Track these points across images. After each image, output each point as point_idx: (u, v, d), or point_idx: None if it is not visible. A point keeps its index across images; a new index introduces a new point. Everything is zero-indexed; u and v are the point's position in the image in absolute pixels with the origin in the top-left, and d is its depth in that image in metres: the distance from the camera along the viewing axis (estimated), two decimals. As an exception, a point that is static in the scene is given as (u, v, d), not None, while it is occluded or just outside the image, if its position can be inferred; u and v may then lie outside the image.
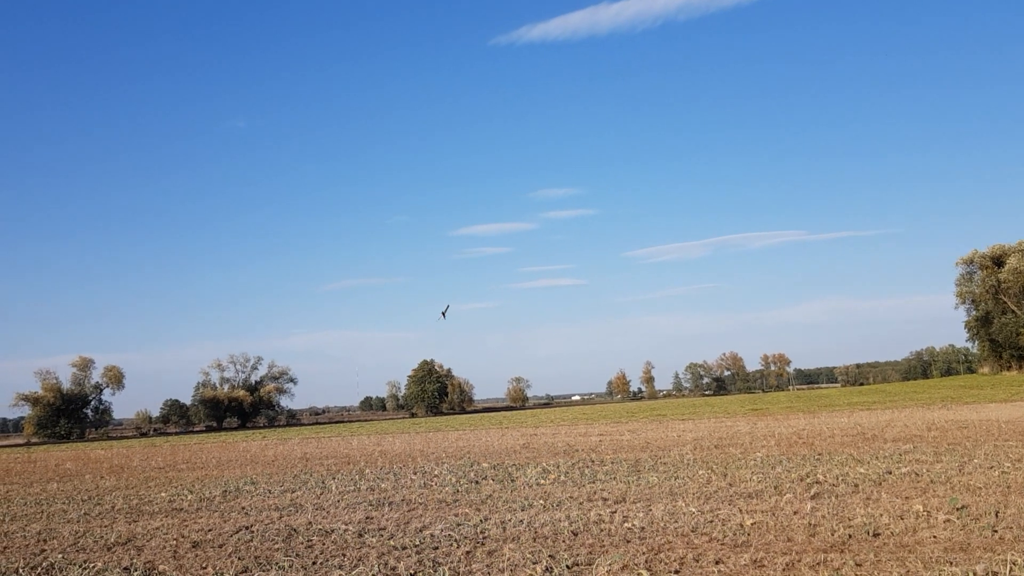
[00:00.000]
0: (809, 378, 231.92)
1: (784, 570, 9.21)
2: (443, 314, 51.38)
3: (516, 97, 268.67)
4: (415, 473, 22.07)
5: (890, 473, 16.54)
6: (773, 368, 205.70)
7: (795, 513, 12.51)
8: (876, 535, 10.73)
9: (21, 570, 11.49)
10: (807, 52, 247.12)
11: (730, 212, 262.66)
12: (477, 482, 19.03)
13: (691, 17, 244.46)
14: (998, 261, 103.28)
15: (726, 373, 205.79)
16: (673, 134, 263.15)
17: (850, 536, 10.76)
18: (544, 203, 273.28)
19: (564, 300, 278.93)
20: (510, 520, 13.28)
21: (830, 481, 15.76)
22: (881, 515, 11.93)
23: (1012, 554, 9.31)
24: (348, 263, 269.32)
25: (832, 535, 10.87)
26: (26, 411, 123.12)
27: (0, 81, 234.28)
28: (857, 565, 9.21)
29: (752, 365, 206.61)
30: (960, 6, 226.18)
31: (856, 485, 15.13)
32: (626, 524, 12.35)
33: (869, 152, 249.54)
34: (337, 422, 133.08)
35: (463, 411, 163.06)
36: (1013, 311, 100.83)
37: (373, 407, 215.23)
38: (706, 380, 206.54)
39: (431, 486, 18.80)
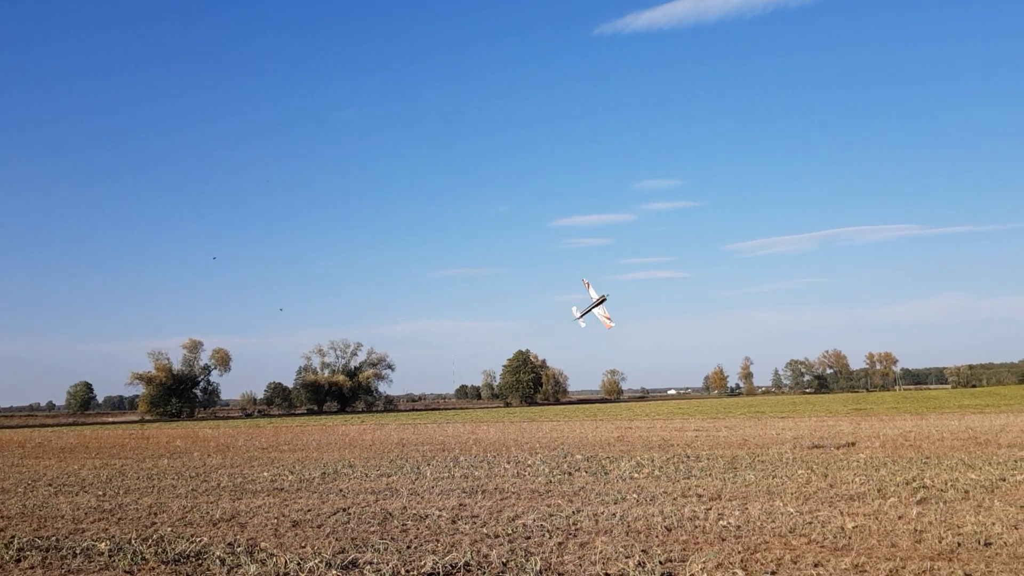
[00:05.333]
0: (917, 378, 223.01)
1: (887, 576, 8.88)
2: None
3: (619, 87, 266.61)
4: (508, 462, 22.23)
5: (1004, 480, 15.73)
6: (879, 367, 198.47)
7: (900, 518, 12.04)
8: (987, 544, 10.22)
9: (133, 540, 12.10)
10: (922, 40, 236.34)
11: (838, 204, 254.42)
12: (570, 473, 19.03)
13: (804, 3, 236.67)
14: None
15: (828, 371, 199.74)
16: (779, 124, 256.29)
17: (959, 544, 10.28)
18: (645, 194, 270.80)
19: (663, 293, 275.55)
20: (603, 513, 13.22)
21: (938, 486, 15.10)
22: (993, 524, 11.36)
23: None
24: (448, 253, 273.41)
25: (939, 542, 10.41)
26: (140, 390, 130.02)
27: (127, 71, 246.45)
28: (966, 575, 8.81)
29: (856, 364, 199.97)
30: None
31: (967, 491, 14.45)
32: (721, 522, 12.13)
33: (986, 144, 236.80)
34: (433, 409, 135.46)
35: (557, 402, 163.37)
36: None
37: (468, 395, 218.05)
38: (807, 378, 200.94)
39: (524, 476, 18.90)
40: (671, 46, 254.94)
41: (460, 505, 14.71)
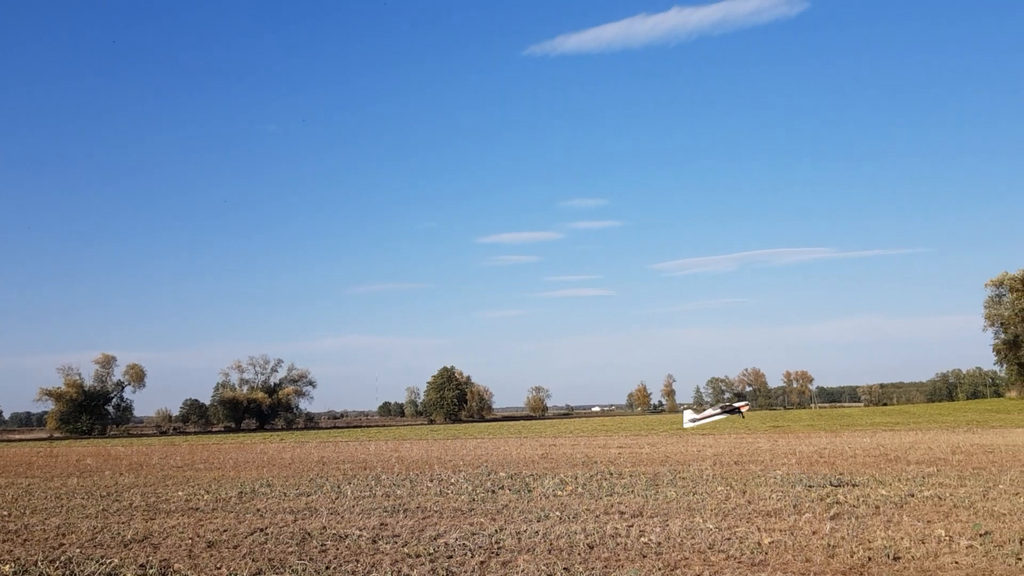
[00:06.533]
0: (831, 397, 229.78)
1: (802, 591, 9.06)
2: None
3: (547, 107, 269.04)
4: (431, 480, 22.02)
5: (912, 496, 16.28)
6: (795, 385, 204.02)
7: (814, 533, 12.33)
8: (896, 559, 10.54)
9: (40, 563, 11.56)
10: (838, 71, 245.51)
11: (758, 227, 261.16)
12: (493, 491, 18.95)
13: (727, 32, 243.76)
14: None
15: (747, 389, 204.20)
16: (703, 149, 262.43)
17: (869, 559, 10.57)
18: (572, 213, 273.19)
19: (588, 311, 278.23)
20: (526, 531, 13.19)
21: (850, 502, 15.53)
22: (902, 538, 11.72)
23: (1037, 583, 9.10)
24: (373, 268, 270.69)
25: (851, 557, 10.69)
26: (49, 406, 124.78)
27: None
28: (877, 589, 9.05)
29: (774, 382, 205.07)
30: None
31: (877, 507, 14.90)
32: (643, 539, 12.22)
33: (901, 171, 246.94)
34: (355, 426, 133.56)
35: (482, 419, 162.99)
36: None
37: (392, 413, 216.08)
38: (727, 395, 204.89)
39: (447, 494, 18.75)
40: (599, 69, 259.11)
41: (381, 524, 14.49)
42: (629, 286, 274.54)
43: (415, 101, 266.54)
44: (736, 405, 17.20)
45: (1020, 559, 10.30)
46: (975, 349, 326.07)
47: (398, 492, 19.46)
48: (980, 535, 11.79)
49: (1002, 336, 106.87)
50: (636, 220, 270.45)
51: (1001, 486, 17.57)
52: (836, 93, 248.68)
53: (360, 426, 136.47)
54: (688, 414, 17.04)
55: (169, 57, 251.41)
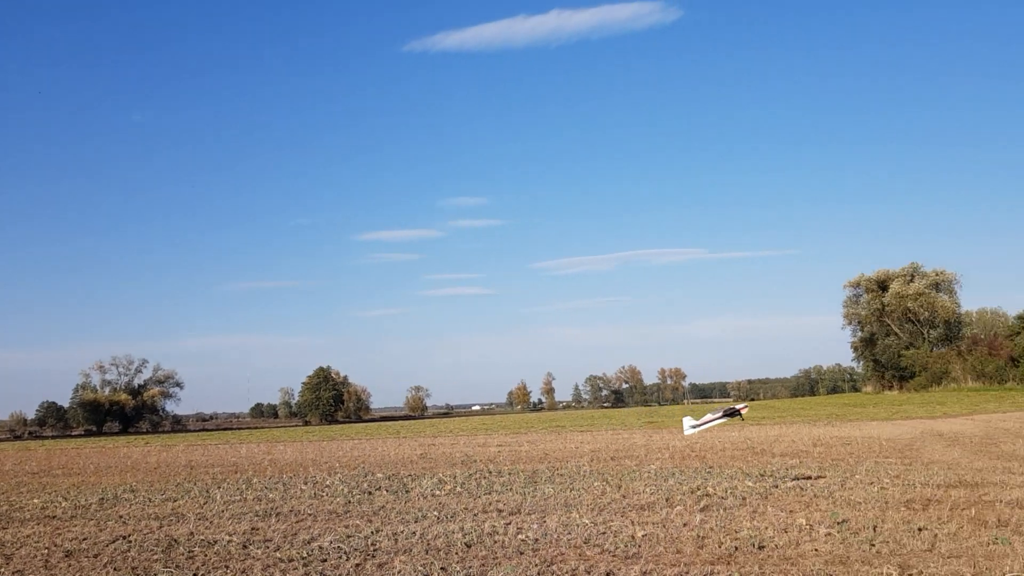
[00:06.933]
0: (703, 392, 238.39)
1: (673, 582, 9.29)
2: None
3: (427, 104, 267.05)
4: (305, 483, 21.49)
5: (776, 487, 17.02)
6: (669, 382, 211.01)
7: (685, 525, 12.70)
8: (761, 547, 10.97)
9: None
10: (710, 77, 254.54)
11: (636, 228, 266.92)
12: (370, 493, 18.65)
13: (605, 36, 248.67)
14: (882, 285, 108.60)
15: (624, 386, 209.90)
16: (583, 149, 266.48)
17: (736, 548, 10.97)
18: (452, 211, 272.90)
19: (468, 309, 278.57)
20: (403, 532, 13.03)
21: (719, 494, 16.09)
22: (766, 528, 12.22)
23: (888, 567, 9.66)
24: (245, 265, 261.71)
25: (719, 547, 11.06)
26: None
27: None
28: (743, 577, 9.38)
29: (650, 379, 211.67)
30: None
31: (744, 498, 15.49)
32: (520, 536, 12.28)
33: (769, 175, 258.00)
34: (226, 429, 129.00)
35: (359, 420, 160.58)
36: (895, 333, 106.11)
37: (265, 414, 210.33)
38: (605, 392, 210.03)
39: (322, 496, 18.33)
40: (480, 67, 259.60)
41: (252, 529, 14.01)
42: (509, 285, 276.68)
43: (290, 94, 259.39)
44: (736, 407, 17.44)
45: (873, 545, 10.91)
46: (834, 346, 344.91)
47: (270, 496, 18.88)
48: (838, 523, 12.43)
49: (859, 334, 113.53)
50: (516, 219, 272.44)
51: (857, 476, 18.61)
52: (708, 99, 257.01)
53: (231, 428, 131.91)
54: (688, 420, 17.08)
55: (26, 38, 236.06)
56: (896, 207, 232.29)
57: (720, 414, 18.98)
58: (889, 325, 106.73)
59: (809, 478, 18.43)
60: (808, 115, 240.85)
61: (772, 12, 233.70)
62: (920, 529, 11.76)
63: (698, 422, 18.98)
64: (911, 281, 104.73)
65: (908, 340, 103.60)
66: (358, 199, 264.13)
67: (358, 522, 14.31)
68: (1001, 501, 14.28)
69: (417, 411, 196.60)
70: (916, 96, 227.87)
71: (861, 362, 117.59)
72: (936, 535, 11.36)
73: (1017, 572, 9.31)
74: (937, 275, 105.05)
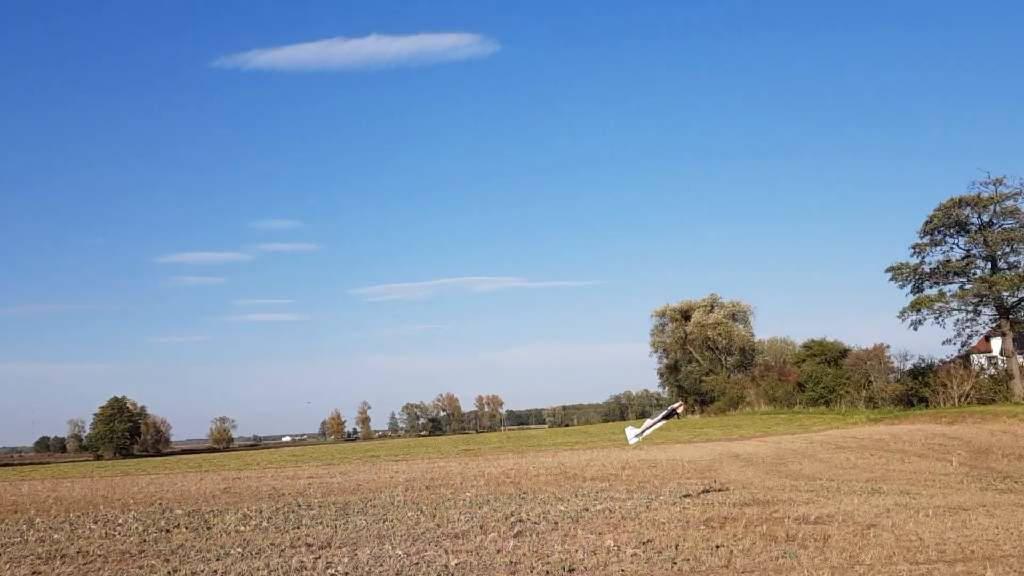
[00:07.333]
0: (520, 419, 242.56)
1: (485, 611, 9.18)
2: None
3: (236, 122, 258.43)
4: (95, 522, 19.75)
5: (587, 510, 17.39)
6: (487, 409, 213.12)
7: (498, 552, 12.66)
8: (571, 570, 11.10)
9: None
10: (525, 110, 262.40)
11: (454, 255, 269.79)
12: (168, 531, 17.38)
13: (424, 64, 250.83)
14: (685, 315, 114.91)
15: (442, 414, 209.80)
16: (399, 176, 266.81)
17: (547, 572, 11.04)
18: (262, 234, 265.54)
19: (279, 336, 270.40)
20: (203, 571, 12.18)
21: (532, 519, 16.22)
22: (576, 551, 12.40)
23: (690, 583, 10.00)
24: (28, 287, 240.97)
25: (531, 572, 11.08)
26: None
27: None
28: (554, 602, 9.41)
29: (467, 406, 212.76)
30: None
31: (556, 523, 15.69)
32: (330, 570, 11.79)
33: (581, 207, 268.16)
34: (5, 465, 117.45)
35: (158, 453, 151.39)
36: (697, 360, 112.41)
37: (51, 448, 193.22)
38: (422, 421, 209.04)
39: (114, 536, 16.88)
40: (293, 88, 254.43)
41: (34, 573, 12.66)
42: (323, 311, 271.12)
43: (86, 106, 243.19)
44: (672, 407, 17.42)
45: (675, 563, 11.31)
46: (643, 372, 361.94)
47: (55, 536, 17.17)
48: (643, 543, 12.81)
49: (664, 361, 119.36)
50: (331, 244, 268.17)
51: (662, 497, 19.39)
52: (523, 133, 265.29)
53: (12, 464, 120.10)
54: (631, 431, 16.79)
55: None
56: (698, 242, 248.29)
57: (660, 417, 19.32)
58: (691, 352, 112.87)
59: (618, 500, 18.99)
60: (620, 150, 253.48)
61: (582, 51, 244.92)
62: (718, 546, 12.32)
63: (639, 430, 19.20)
64: (711, 311, 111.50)
65: (708, 367, 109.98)
66: (159, 218, 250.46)
67: (153, 562, 13.26)
68: (789, 517, 15.29)
69: (222, 443, 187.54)
70: (709, 140, 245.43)
71: (666, 387, 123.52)
72: (732, 551, 11.95)
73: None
74: (733, 306, 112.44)
